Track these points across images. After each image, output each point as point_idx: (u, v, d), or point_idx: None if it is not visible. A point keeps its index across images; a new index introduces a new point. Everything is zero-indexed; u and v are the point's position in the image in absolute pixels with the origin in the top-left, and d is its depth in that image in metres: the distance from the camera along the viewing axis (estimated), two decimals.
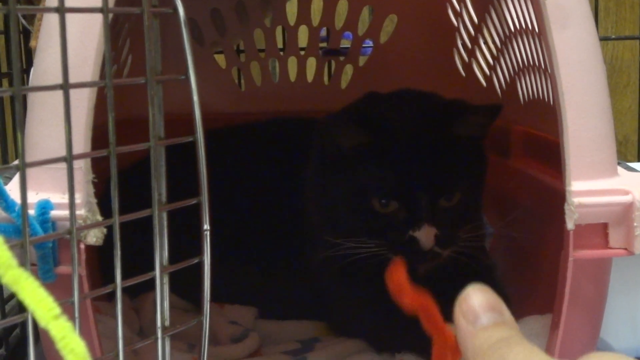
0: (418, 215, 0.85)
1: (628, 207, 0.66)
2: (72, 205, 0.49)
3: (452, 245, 0.87)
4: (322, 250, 0.91)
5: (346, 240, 0.87)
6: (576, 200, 0.66)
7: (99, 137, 0.63)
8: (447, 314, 0.93)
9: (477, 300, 0.46)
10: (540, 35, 0.81)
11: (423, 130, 0.88)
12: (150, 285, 0.55)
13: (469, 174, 0.90)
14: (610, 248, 0.67)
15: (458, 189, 0.87)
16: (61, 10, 0.47)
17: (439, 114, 0.90)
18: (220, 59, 1.34)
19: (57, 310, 0.35)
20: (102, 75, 0.63)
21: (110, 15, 0.52)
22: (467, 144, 0.89)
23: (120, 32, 1.06)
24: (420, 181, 0.85)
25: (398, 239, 0.85)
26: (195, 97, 0.55)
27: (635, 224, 0.66)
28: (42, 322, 0.35)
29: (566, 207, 0.66)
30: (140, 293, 0.99)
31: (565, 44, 0.69)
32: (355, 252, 0.87)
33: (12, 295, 0.98)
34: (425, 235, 0.84)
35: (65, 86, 0.47)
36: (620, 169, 0.71)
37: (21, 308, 0.94)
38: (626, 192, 0.67)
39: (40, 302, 0.35)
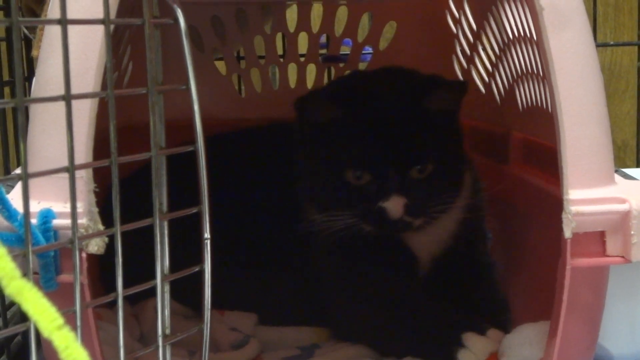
0: (387, 186, 0.88)
1: (625, 216, 0.67)
2: (74, 215, 0.49)
3: (424, 215, 0.90)
4: (307, 229, 0.94)
5: (323, 215, 0.91)
6: (574, 208, 0.67)
7: (100, 143, 0.64)
8: (448, 310, 0.94)
9: None
10: (537, 42, 0.81)
11: (394, 104, 0.92)
12: (150, 291, 0.55)
13: (441, 146, 0.92)
14: (608, 256, 0.68)
15: (429, 160, 0.90)
16: (63, 22, 0.48)
17: (409, 88, 0.93)
18: (221, 65, 1.35)
19: (60, 320, 0.36)
20: (104, 84, 0.63)
21: (112, 26, 0.52)
22: (438, 117, 0.92)
23: (121, 40, 1.07)
24: (389, 153, 0.89)
25: (369, 209, 0.89)
26: (196, 107, 0.55)
27: (632, 232, 0.66)
28: (45, 333, 0.36)
29: (564, 215, 0.67)
30: (140, 299, 0.99)
31: (562, 52, 0.70)
32: (332, 225, 0.90)
33: (14, 302, 0.98)
34: (393, 205, 0.88)
35: (67, 97, 0.48)
36: (617, 177, 0.72)
37: (23, 315, 0.95)
38: (623, 201, 0.68)
39: (43, 313, 0.36)
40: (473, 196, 0.98)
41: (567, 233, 0.67)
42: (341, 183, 0.90)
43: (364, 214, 0.89)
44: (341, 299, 0.98)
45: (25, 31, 0.97)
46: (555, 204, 0.70)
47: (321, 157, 0.93)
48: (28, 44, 1.03)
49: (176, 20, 0.55)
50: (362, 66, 1.34)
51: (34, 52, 0.84)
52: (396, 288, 0.95)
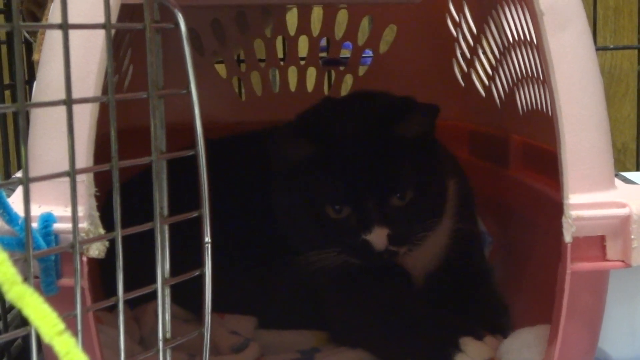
0: (368, 218, 0.88)
1: (625, 220, 0.67)
2: (75, 219, 0.49)
3: (408, 243, 0.90)
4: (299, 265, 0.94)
5: (311, 252, 0.91)
6: (574, 213, 0.67)
7: (101, 147, 0.64)
8: (446, 316, 0.94)
9: None
10: (537, 46, 0.81)
11: (366, 134, 0.91)
12: (150, 295, 0.55)
13: (419, 170, 0.92)
14: (608, 260, 0.68)
15: (407, 187, 0.89)
16: (64, 27, 0.48)
17: (381, 117, 0.92)
18: (221, 68, 1.35)
19: (61, 326, 0.36)
20: (105, 88, 0.63)
21: (113, 31, 0.52)
22: (413, 142, 0.91)
23: (122, 43, 1.07)
24: (367, 185, 0.88)
25: (352, 243, 0.88)
26: (197, 111, 0.56)
27: (632, 237, 0.66)
28: (47, 339, 0.36)
29: (564, 220, 0.67)
30: (140, 303, 0.99)
31: (562, 55, 0.70)
32: (322, 263, 0.90)
33: (14, 306, 0.98)
34: (376, 237, 0.87)
35: (69, 102, 0.48)
36: (617, 181, 0.72)
37: (23, 318, 0.95)
38: (623, 205, 0.68)
39: (44, 318, 0.36)
40: (462, 205, 0.98)
41: (567, 237, 0.67)
42: (322, 218, 0.90)
43: (349, 248, 0.89)
44: (339, 304, 0.98)
45: (26, 35, 0.97)
46: (555, 208, 0.70)
47: (299, 194, 0.92)
48: (29, 47, 1.03)
49: (177, 24, 0.55)
50: (362, 70, 1.34)
51: (35, 56, 0.85)
52: (393, 294, 0.95)
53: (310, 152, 0.90)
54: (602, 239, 0.68)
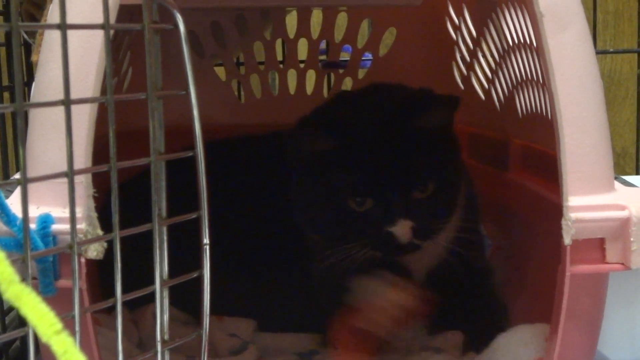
0: (392, 210, 0.87)
1: (625, 223, 0.67)
2: (73, 220, 0.49)
3: (432, 236, 0.89)
4: (320, 259, 0.93)
5: (334, 248, 0.89)
6: (573, 215, 0.67)
7: (99, 148, 0.64)
8: (446, 316, 0.94)
9: None
10: (537, 49, 0.81)
11: (386, 126, 0.90)
12: (149, 297, 0.55)
13: (440, 162, 0.91)
14: (607, 263, 0.68)
15: (429, 179, 0.89)
16: (63, 27, 0.48)
17: (401, 108, 0.91)
18: (220, 71, 1.35)
19: (58, 325, 0.36)
20: (103, 89, 0.63)
21: (112, 31, 0.52)
22: (433, 134, 0.90)
23: (121, 45, 1.07)
24: (390, 177, 0.88)
25: (376, 235, 0.87)
26: (196, 113, 0.55)
27: (632, 239, 0.66)
28: (44, 338, 0.36)
29: (563, 222, 0.67)
30: (139, 305, 0.99)
31: (562, 58, 0.70)
32: (347, 257, 0.89)
33: (12, 307, 0.98)
34: (401, 230, 0.86)
35: (67, 102, 0.48)
36: (617, 184, 0.72)
37: (21, 320, 0.95)
38: (623, 208, 0.67)
39: (42, 318, 0.35)
40: (468, 205, 0.98)
41: (567, 240, 0.67)
42: (344, 211, 0.89)
43: (372, 241, 0.88)
44: (334, 308, 0.98)
45: (25, 36, 0.97)
46: (554, 211, 0.70)
47: (320, 188, 0.91)
48: (27, 48, 1.03)
49: (176, 25, 0.55)
50: (361, 72, 1.34)
51: (33, 57, 0.85)
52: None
53: (331, 146, 0.89)
54: (602, 241, 0.68)
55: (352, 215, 0.89)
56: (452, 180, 0.93)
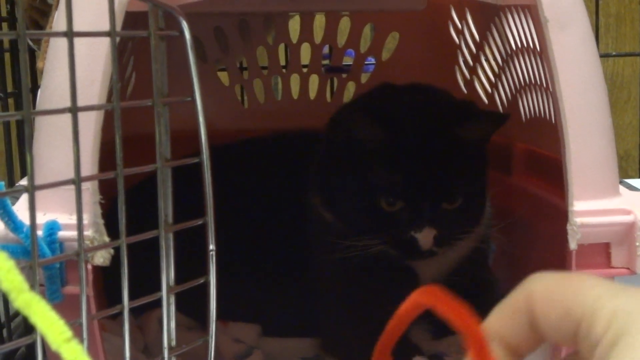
0: (421, 216, 0.87)
1: (630, 227, 0.67)
2: (80, 228, 0.49)
3: (449, 245, 0.90)
4: (326, 252, 0.93)
5: (350, 239, 0.89)
6: (578, 220, 0.67)
7: (104, 154, 0.64)
8: (446, 330, 0.94)
9: None
10: (541, 53, 0.81)
11: (432, 131, 0.89)
12: (154, 302, 0.55)
13: (472, 177, 0.91)
14: (613, 267, 0.68)
15: (461, 192, 0.89)
16: (70, 34, 0.48)
17: (448, 115, 0.91)
18: (223, 76, 1.35)
19: (68, 333, 0.36)
20: (109, 95, 0.63)
21: (117, 38, 0.52)
22: (472, 147, 0.90)
23: (125, 49, 1.07)
24: (426, 183, 0.87)
25: (400, 237, 0.87)
26: (201, 119, 0.56)
27: (637, 244, 0.66)
28: (54, 346, 0.36)
29: (569, 227, 0.67)
30: (144, 310, 0.99)
31: (566, 62, 0.70)
32: (360, 249, 0.89)
33: (18, 313, 0.98)
34: (425, 237, 0.87)
35: (74, 110, 0.48)
36: (621, 188, 0.72)
37: (27, 325, 0.95)
38: (628, 212, 0.68)
39: (51, 326, 0.36)
40: (488, 224, 0.97)
41: (573, 245, 0.67)
42: (373, 207, 0.89)
43: (395, 240, 0.88)
44: (333, 314, 0.98)
45: (30, 43, 0.98)
46: (558, 216, 0.70)
47: (354, 178, 0.91)
48: (32, 55, 1.03)
49: (181, 32, 0.55)
50: (364, 77, 1.34)
51: (38, 64, 0.85)
52: (387, 315, 0.95)
53: (377, 137, 0.88)
54: (607, 246, 0.68)
55: (380, 213, 0.88)
56: (479, 195, 0.93)
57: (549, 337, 0.42)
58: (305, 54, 1.34)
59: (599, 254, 0.68)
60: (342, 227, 0.93)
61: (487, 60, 1.13)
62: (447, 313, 0.43)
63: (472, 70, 1.19)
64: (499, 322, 0.44)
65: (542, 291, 0.42)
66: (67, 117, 0.48)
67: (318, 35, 1.33)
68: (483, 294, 0.98)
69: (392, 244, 0.89)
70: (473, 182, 0.91)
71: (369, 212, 0.89)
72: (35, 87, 1.01)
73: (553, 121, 0.84)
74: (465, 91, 1.23)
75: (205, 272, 0.57)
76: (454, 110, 0.92)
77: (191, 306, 0.67)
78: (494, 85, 1.12)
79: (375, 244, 0.89)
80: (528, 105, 0.97)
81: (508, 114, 0.92)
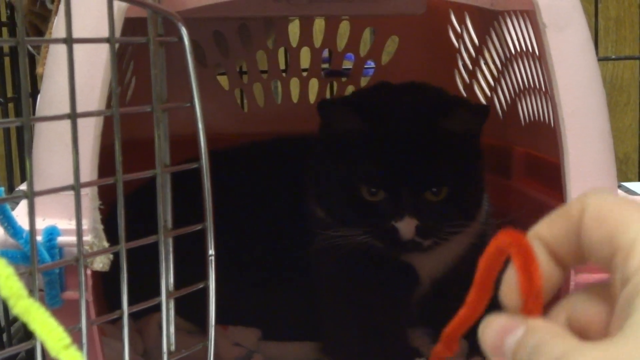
0: (401, 206, 0.88)
1: None
2: (79, 233, 0.49)
3: (434, 236, 0.90)
4: (320, 249, 0.93)
5: (335, 230, 0.90)
6: None
7: (103, 159, 0.64)
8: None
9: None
10: (540, 58, 0.82)
11: (413, 122, 0.91)
12: (153, 306, 0.55)
13: (459, 169, 0.91)
14: None
15: (445, 183, 0.89)
16: (69, 41, 0.48)
17: (430, 107, 0.92)
18: (223, 80, 1.35)
19: (67, 340, 0.36)
20: (109, 100, 0.63)
21: (117, 44, 0.52)
22: (458, 140, 0.91)
23: (124, 55, 1.07)
24: (405, 173, 0.88)
25: (381, 227, 0.88)
26: (201, 125, 0.56)
27: None
28: (53, 352, 0.36)
29: None
30: (143, 315, 0.99)
31: (565, 67, 0.70)
32: (344, 242, 0.90)
33: (17, 317, 0.98)
34: (405, 226, 0.87)
35: (73, 116, 0.48)
36: (620, 193, 0.72)
37: (27, 330, 0.95)
38: None
39: (50, 332, 0.36)
40: (485, 222, 0.98)
41: None
42: (355, 196, 0.90)
43: (376, 231, 0.89)
44: (333, 317, 0.98)
45: (30, 48, 0.98)
46: None
47: (337, 167, 0.92)
48: (31, 60, 1.03)
49: (180, 38, 0.56)
50: (364, 81, 1.34)
51: (38, 70, 0.85)
52: (387, 316, 0.95)
53: (359, 127, 0.90)
54: None
55: (362, 202, 0.89)
56: (469, 190, 0.93)
57: (588, 256, 0.41)
58: (305, 58, 1.34)
59: None
60: (331, 221, 0.94)
61: (486, 64, 1.13)
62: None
63: (472, 74, 1.19)
64: (549, 228, 0.44)
65: (595, 206, 0.41)
66: (66, 123, 0.49)
67: (318, 39, 1.33)
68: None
69: (374, 234, 0.89)
70: (460, 175, 0.91)
71: (352, 203, 0.90)
72: (35, 92, 1.01)
73: (552, 125, 0.84)
74: (464, 95, 1.23)
75: (204, 276, 0.58)
76: (439, 103, 0.93)
77: (191, 310, 0.67)
78: (493, 89, 1.12)
79: (359, 234, 0.89)
80: (527, 109, 0.97)
81: (488, 105, 0.93)
